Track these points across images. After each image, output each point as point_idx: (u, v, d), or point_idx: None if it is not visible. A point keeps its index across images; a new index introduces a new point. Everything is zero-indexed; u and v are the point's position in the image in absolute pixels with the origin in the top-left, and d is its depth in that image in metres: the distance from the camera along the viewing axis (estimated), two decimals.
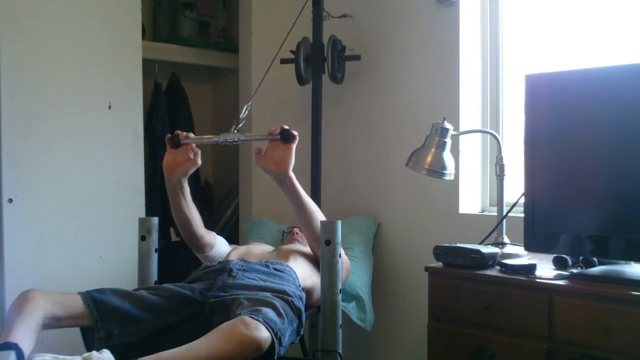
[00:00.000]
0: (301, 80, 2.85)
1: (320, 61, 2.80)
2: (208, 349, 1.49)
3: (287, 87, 3.07)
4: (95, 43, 2.67)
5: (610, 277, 1.75)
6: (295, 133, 1.93)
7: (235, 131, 1.99)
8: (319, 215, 2.05)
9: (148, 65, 3.04)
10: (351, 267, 2.47)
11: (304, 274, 2.09)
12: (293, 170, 1.95)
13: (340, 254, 1.92)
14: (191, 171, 2.05)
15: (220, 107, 3.93)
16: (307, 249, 2.30)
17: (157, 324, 1.76)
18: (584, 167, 1.86)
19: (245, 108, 2.08)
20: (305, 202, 2.02)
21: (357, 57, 2.84)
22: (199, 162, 2.04)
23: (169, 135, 2.04)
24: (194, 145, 2.04)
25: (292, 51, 2.82)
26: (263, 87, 2.56)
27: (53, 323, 1.65)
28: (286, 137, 1.91)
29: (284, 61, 2.82)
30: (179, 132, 2.05)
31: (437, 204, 2.63)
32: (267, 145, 1.96)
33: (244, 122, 2.03)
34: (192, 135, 2.05)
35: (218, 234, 2.31)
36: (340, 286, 1.93)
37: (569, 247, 1.87)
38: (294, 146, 1.93)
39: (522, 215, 1.96)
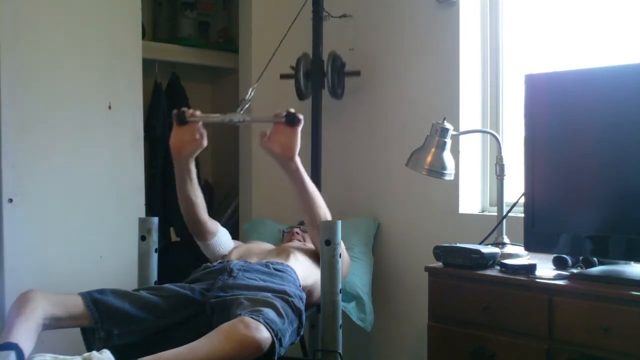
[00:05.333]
0: (301, 96, 2.84)
1: (320, 77, 2.80)
2: (208, 349, 1.49)
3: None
4: (95, 43, 2.67)
5: (610, 277, 1.75)
6: (301, 116, 1.92)
7: (241, 112, 1.98)
8: (321, 202, 2.06)
9: (148, 65, 3.04)
10: (351, 266, 2.47)
11: (305, 273, 2.09)
12: None
13: (340, 254, 1.92)
14: (197, 152, 2.04)
15: (220, 107, 3.92)
16: (307, 249, 2.30)
17: (157, 325, 1.76)
18: (584, 167, 1.86)
19: (251, 90, 2.09)
20: (309, 188, 2.03)
21: (357, 73, 2.83)
22: (205, 143, 2.02)
23: (176, 111, 2.01)
24: (200, 124, 2.02)
25: (292, 67, 2.82)
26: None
27: (53, 323, 1.65)
28: (292, 120, 1.91)
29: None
30: (186, 109, 2.01)
31: (437, 204, 2.63)
32: (272, 129, 1.95)
33: (250, 103, 2.04)
34: (198, 113, 2.00)
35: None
36: (340, 285, 1.93)
37: (569, 247, 1.87)
38: (300, 129, 1.93)
39: (522, 215, 1.96)
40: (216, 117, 2.01)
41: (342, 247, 2.22)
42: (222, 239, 2.26)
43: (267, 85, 2.69)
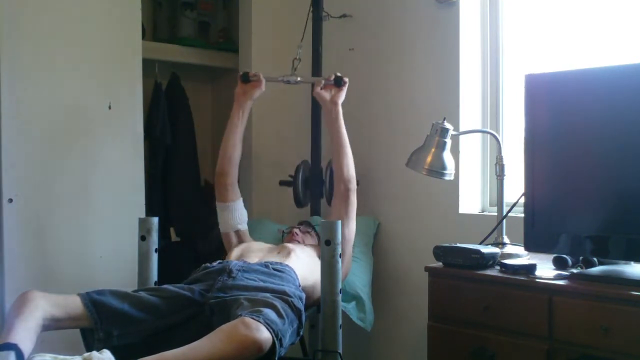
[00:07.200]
0: (299, 203, 2.82)
1: (319, 185, 2.81)
2: (209, 350, 1.49)
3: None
4: (95, 43, 2.67)
5: (610, 277, 1.75)
6: (347, 79, 2.43)
7: (295, 71, 2.51)
8: (350, 157, 2.39)
9: (148, 65, 3.04)
10: (351, 266, 2.47)
11: (304, 273, 2.09)
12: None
13: (340, 253, 1.92)
14: (257, 94, 2.47)
15: (220, 107, 3.93)
16: (306, 249, 2.30)
17: (156, 325, 1.76)
18: (584, 167, 1.86)
19: (299, 46, 2.59)
20: (343, 137, 2.40)
21: None
22: (264, 87, 2.47)
23: (241, 72, 2.49)
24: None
25: (290, 175, 2.82)
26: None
27: (52, 324, 1.66)
28: (338, 82, 2.43)
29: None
30: (249, 70, 2.49)
31: (437, 204, 2.63)
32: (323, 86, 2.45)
33: (300, 61, 2.56)
34: (260, 73, 2.47)
35: (219, 233, 2.31)
36: (340, 285, 1.93)
37: (569, 247, 1.87)
38: (345, 89, 2.43)
39: (522, 215, 1.96)
40: (274, 77, 2.52)
41: (349, 246, 2.22)
42: (240, 209, 2.47)
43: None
